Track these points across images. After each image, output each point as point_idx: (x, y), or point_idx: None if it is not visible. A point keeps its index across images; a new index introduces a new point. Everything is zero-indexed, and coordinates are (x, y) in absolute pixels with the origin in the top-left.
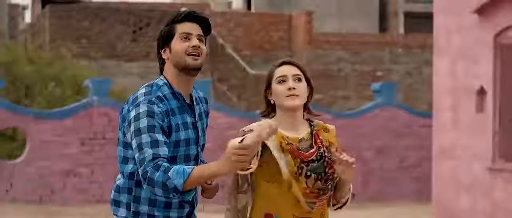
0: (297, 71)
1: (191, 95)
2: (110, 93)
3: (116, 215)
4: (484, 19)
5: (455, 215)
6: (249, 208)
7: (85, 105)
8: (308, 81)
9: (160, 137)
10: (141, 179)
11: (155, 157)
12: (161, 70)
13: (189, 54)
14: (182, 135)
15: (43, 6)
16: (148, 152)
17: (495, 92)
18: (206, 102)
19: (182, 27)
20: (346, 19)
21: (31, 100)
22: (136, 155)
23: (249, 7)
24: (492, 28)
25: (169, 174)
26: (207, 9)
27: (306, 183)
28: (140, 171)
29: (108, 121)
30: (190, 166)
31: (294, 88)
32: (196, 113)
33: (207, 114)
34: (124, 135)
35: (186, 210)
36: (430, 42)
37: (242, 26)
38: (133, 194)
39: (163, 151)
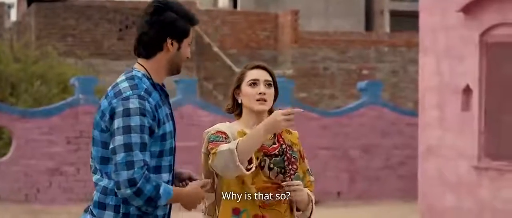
0: (268, 77)
1: (164, 87)
2: (96, 92)
3: None
4: (470, 18)
5: (441, 213)
6: (216, 207)
7: (71, 103)
8: (275, 87)
9: (148, 139)
10: (123, 182)
11: (145, 163)
12: (149, 54)
13: (183, 62)
14: (167, 127)
15: (28, 4)
16: (138, 157)
17: (481, 91)
18: None
19: (191, 34)
20: (332, 18)
21: (17, 98)
22: (121, 155)
23: (235, 6)
24: (478, 26)
25: (160, 192)
26: (192, 7)
27: (269, 176)
28: (125, 173)
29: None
30: (170, 187)
31: (264, 93)
32: (170, 104)
33: None
34: (105, 131)
35: (167, 206)
36: (416, 40)
37: (228, 25)
38: None
39: (148, 156)
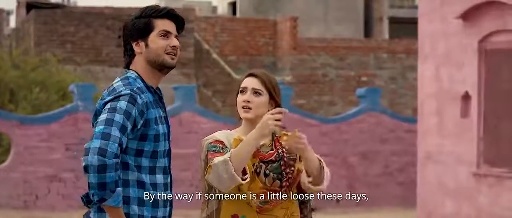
0: (258, 86)
1: (159, 90)
2: (95, 99)
3: None
4: (469, 25)
5: None
6: (215, 215)
7: (70, 110)
8: (271, 94)
9: (129, 126)
10: (94, 149)
11: (120, 143)
12: (128, 63)
13: (167, 53)
14: (160, 128)
15: (27, 11)
16: (116, 134)
17: (480, 97)
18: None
19: (163, 24)
20: (331, 25)
21: (16, 105)
22: (101, 127)
23: (234, 12)
24: (477, 33)
25: (116, 189)
26: (192, 14)
27: (265, 182)
28: (99, 142)
29: None
30: (120, 202)
31: (248, 101)
32: (165, 107)
33: None
34: None
35: (168, 209)
36: (415, 47)
37: (227, 31)
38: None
39: (125, 140)
